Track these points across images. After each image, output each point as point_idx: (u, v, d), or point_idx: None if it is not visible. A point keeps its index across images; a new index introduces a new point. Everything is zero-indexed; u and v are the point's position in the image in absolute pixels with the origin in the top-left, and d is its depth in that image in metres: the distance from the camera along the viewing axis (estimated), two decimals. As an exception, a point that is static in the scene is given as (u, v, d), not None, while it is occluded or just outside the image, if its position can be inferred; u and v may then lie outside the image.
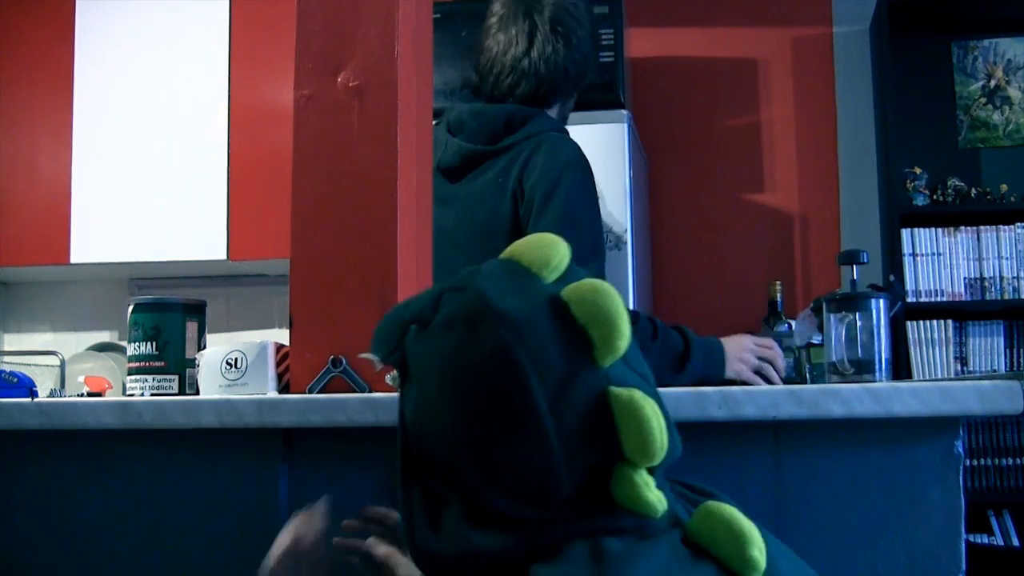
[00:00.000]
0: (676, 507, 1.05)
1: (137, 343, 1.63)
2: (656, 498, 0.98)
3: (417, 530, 1.04)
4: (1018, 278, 3.16)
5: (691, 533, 1.03)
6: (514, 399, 0.98)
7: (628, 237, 2.69)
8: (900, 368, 3.09)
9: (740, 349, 2.01)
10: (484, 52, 2.13)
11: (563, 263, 1.06)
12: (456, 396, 1.01)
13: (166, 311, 1.65)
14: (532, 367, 0.98)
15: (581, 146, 2.04)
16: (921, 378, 3.12)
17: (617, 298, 1.01)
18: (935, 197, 3.30)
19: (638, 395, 0.99)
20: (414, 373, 1.06)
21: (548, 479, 0.99)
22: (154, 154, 3.37)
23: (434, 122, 1.84)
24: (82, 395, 1.84)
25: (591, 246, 1.96)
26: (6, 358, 3.25)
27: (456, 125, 2.13)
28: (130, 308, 1.66)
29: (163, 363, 1.63)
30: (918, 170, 3.32)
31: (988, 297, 3.17)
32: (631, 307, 2.60)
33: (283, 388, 1.53)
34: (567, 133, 2.10)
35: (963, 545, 1.32)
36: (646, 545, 0.99)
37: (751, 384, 1.97)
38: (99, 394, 1.84)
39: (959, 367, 3.15)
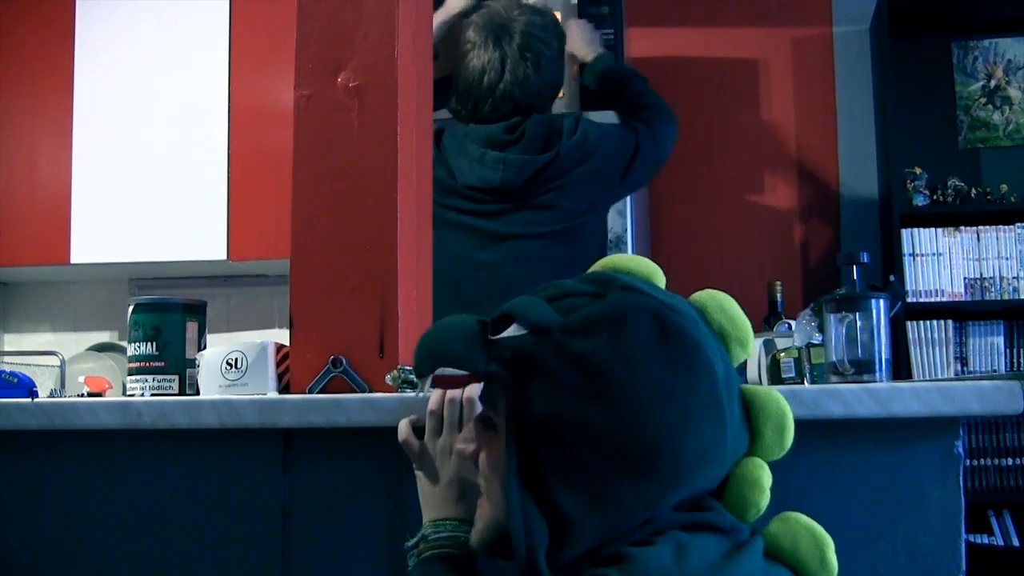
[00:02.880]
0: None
1: (137, 343, 1.63)
2: (766, 501, 1.06)
3: (535, 533, 0.99)
4: (1018, 278, 3.16)
5: (770, 538, 1.08)
6: (703, 390, 1.01)
7: (628, 237, 2.69)
8: (900, 368, 3.09)
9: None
10: (462, 79, 2.22)
11: (663, 280, 1.13)
12: (636, 391, 0.98)
13: (166, 311, 1.65)
14: (716, 359, 1.03)
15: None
16: (921, 378, 3.12)
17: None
18: (935, 197, 3.29)
19: (774, 391, 1.06)
20: (559, 374, 1.00)
21: (716, 469, 1.03)
22: (154, 154, 3.36)
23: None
24: (82, 395, 1.84)
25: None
26: (6, 358, 3.25)
27: (495, 143, 2.16)
28: (130, 308, 1.66)
29: (163, 363, 1.63)
30: (918, 170, 3.31)
31: (988, 297, 3.17)
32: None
33: (283, 388, 1.53)
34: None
35: (963, 545, 1.32)
36: (746, 549, 1.04)
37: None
38: (99, 394, 1.84)
39: (959, 367, 3.15)
